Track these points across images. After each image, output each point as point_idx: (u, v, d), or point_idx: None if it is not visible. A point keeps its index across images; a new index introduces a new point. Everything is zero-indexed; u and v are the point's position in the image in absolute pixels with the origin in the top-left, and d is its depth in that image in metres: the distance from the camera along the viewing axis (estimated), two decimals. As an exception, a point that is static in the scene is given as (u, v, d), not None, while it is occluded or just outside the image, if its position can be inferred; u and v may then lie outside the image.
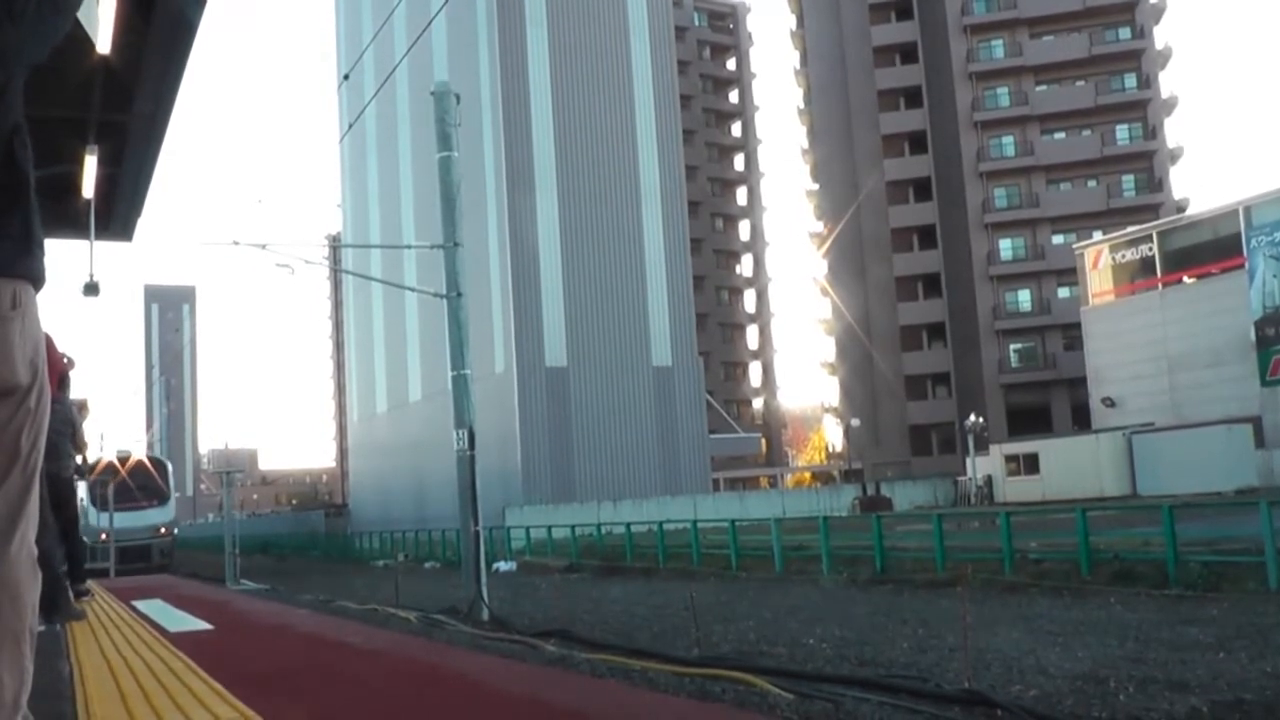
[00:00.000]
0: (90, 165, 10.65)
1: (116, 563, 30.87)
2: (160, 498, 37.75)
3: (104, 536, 31.81)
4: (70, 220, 12.47)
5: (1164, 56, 77.13)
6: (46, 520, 7.52)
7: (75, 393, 10.13)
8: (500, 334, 59.25)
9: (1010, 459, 52.51)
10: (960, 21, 77.25)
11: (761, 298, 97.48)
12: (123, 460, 36.91)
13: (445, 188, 18.04)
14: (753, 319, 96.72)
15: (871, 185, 79.86)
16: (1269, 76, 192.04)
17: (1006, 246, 75.85)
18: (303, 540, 63.08)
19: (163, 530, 37.38)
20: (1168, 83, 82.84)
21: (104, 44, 7.87)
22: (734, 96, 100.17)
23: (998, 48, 77.75)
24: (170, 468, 40.73)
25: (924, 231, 79.26)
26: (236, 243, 19.48)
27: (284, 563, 51.07)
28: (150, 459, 39.82)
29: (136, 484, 36.52)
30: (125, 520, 34.40)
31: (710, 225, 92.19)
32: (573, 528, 34.58)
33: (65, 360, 8.00)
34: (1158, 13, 77.47)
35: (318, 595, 21.61)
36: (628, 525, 32.03)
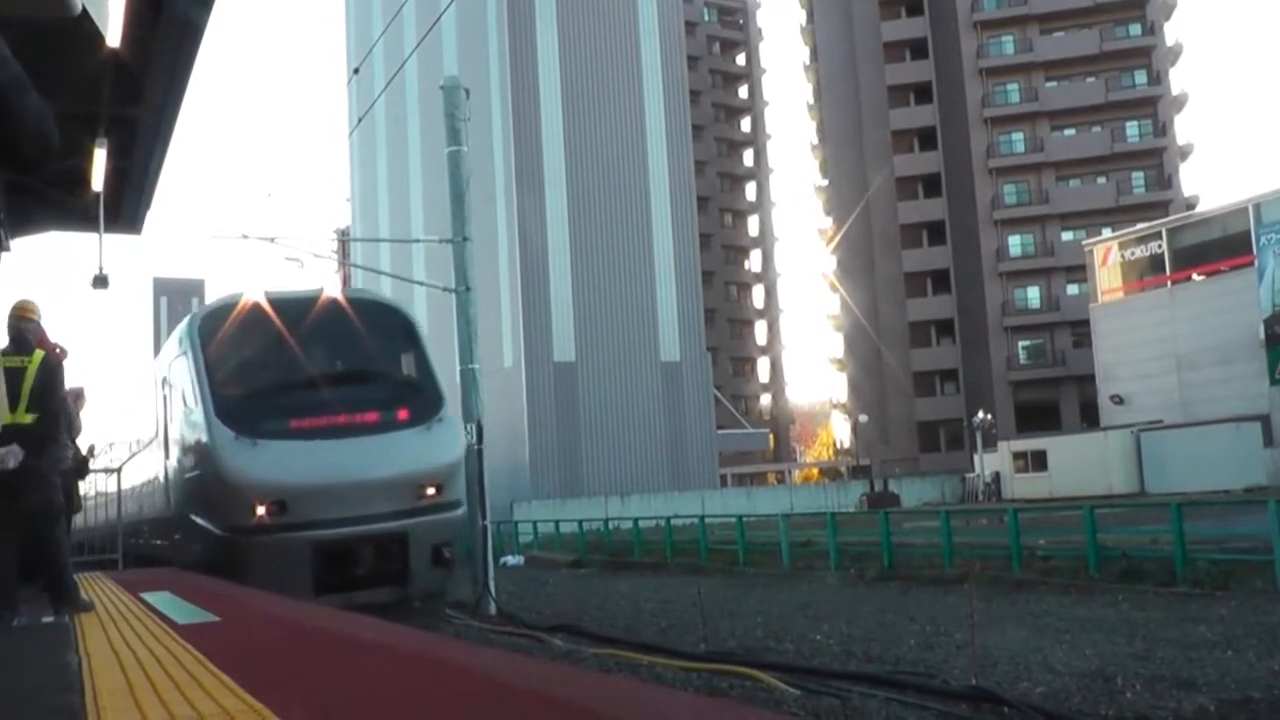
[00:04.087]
0: (100, 159, 10.69)
1: (316, 581, 12.28)
2: (422, 402, 14.30)
3: (262, 510, 12.34)
4: (80, 213, 12.52)
5: (1174, 53, 76.89)
6: (59, 510, 7.56)
7: (75, 382, 10.17)
8: (509, 329, 59.32)
9: (1018, 456, 52.48)
10: (971, 17, 77.07)
11: (770, 293, 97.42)
12: (300, 309, 14.25)
13: (454, 182, 18.07)
14: (761, 315, 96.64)
15: (881, 181, 79.73)
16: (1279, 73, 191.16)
17: (1016, 243, 75.70)
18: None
19: (430, 491, 13.57)
20: (1178, 79, 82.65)
21: (114, 38, 7.89)
22: (743, 92, 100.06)
23: (1008, 44, 77.57)
24: (420, 332, 15.39)
25: (933, 227, 79.13)
26: (245, 236, 19.42)
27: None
28: (357, 302, 15.11)
29: (349, 367, 14.72)
30: (336, 460, 12.99)
31: (719, 221, 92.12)
32: (580, 522, 34.64)
33: (59, 350, 8.03)
34: (1168, 9, 77.24)
35: (325, 589, 21.64)
36: (635, 520, 32.06)
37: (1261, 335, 50.53)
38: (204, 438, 12.69)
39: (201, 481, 12.85)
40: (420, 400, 14.11)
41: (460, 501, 14.06)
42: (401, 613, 12.19)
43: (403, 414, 13.85)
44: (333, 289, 14.42)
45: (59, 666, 4.68)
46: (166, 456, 14.28)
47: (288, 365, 13.65)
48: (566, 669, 4.24)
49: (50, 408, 7.31)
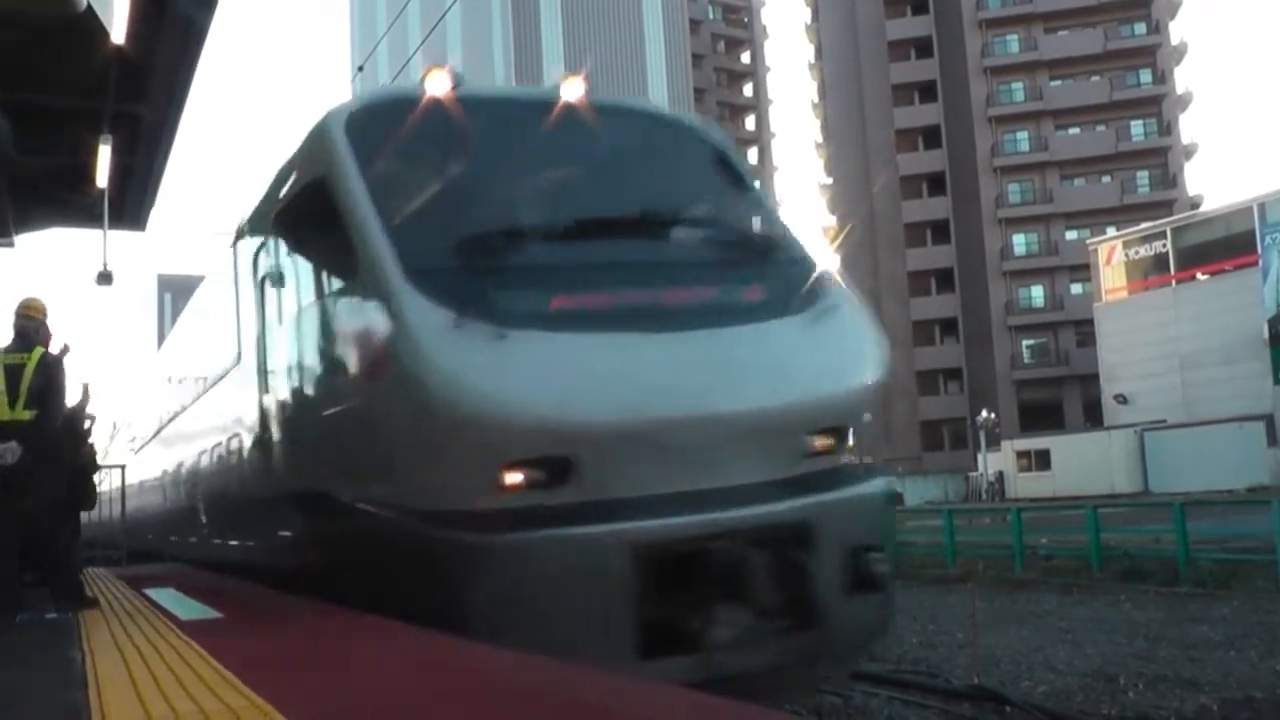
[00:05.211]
0: (104, 155, 10.72)
1: (642, 629, 5.42)
2: (790, 273, 6.83)
3: (517, 477, 5.50)
4: (84, 209, 12.55)
5: (1179, 52, 76.81)
6: (61, 507, 7.58)
7: (79, 378, 10.15)
8: (512, 326, 59.31)
9: (1022, 455, 52.43)
10: (975, 16, 77.03)
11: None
12: (535, 113, 7.26)
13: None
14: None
15: (885, 179, 79.65)
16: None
17: (1020, 242, 75.67)
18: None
19: (825, 443, 6.48)
20: (1182, 78, 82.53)
21: (118, 36, 7.91)
22: (748, 90, 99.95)
23: (1013, 42, 77.55)
24: (746, 166, 8.48)
25: (937, 226, 79.09)
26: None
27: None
28: (635, 113, 8.34)
29: (650, 209, 7.00)
30: (661, 372, 5.71)
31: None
32: (582, 520, 34.51)
33: (63, 347, 8.04)
34: (1173, 8, 77.15)
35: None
36: (637, 518, 31.91)
37: (1265, 335, 50.47)
38: (378, 327, 5.84)
39: (369, 418, 6.07)
40: (785, 270, 6.98)
41: (878, 466, 7.61)
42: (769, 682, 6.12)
43: (755, 291, 6.73)
44: (573, 89, 7.22)
45: (63, 662, 4.69)
46: (265, 389, 7.86)
47: (536, 202, 6.83)
48: (567, 667, 4.25)
49: (50, 405, 7.32)
